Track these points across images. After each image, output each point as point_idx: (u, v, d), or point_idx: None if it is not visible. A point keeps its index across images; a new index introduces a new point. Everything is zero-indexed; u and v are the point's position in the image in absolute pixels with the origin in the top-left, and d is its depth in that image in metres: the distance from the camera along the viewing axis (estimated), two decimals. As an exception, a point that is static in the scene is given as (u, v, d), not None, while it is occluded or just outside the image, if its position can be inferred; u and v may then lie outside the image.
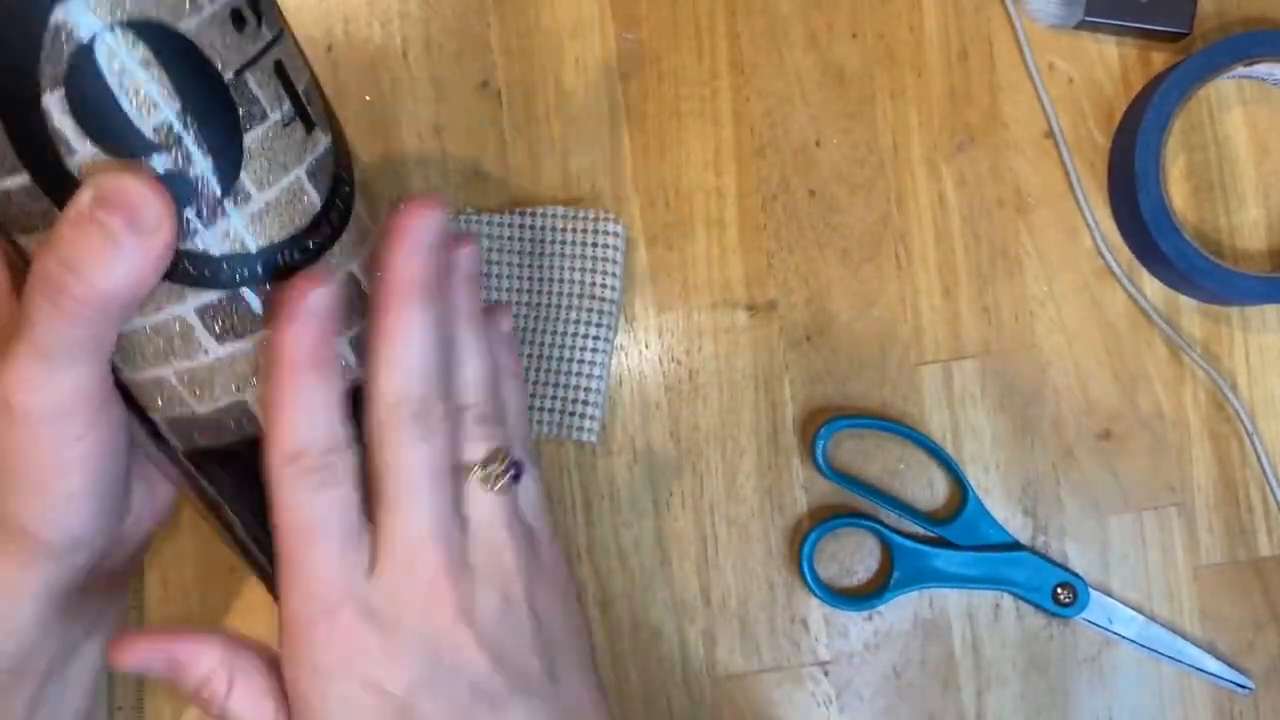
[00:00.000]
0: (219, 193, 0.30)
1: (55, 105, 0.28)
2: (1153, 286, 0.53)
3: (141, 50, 0.29)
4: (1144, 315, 0.53)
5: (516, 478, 0.35)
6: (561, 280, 0.52)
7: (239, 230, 0.31)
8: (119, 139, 0.29)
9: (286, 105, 0.31)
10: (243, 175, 0.31)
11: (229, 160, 0.30)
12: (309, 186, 0.32)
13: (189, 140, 0.30)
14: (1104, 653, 0.52)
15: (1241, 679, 0.51)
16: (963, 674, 0.52)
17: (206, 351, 0.32)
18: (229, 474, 0.34)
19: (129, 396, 0.34)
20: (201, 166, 0.30)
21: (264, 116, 0.31)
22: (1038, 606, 0.52)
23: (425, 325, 0.33)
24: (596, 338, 0.51)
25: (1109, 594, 0.52)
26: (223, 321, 0.32)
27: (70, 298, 0.29)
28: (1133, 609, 0.52)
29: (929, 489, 0.53)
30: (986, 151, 0.53)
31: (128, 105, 0.29)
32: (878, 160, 0.53)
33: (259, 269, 0.31)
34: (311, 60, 0.54)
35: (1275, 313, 0.53)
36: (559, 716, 0.35)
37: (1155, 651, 0.52)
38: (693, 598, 0.52)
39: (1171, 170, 0.53)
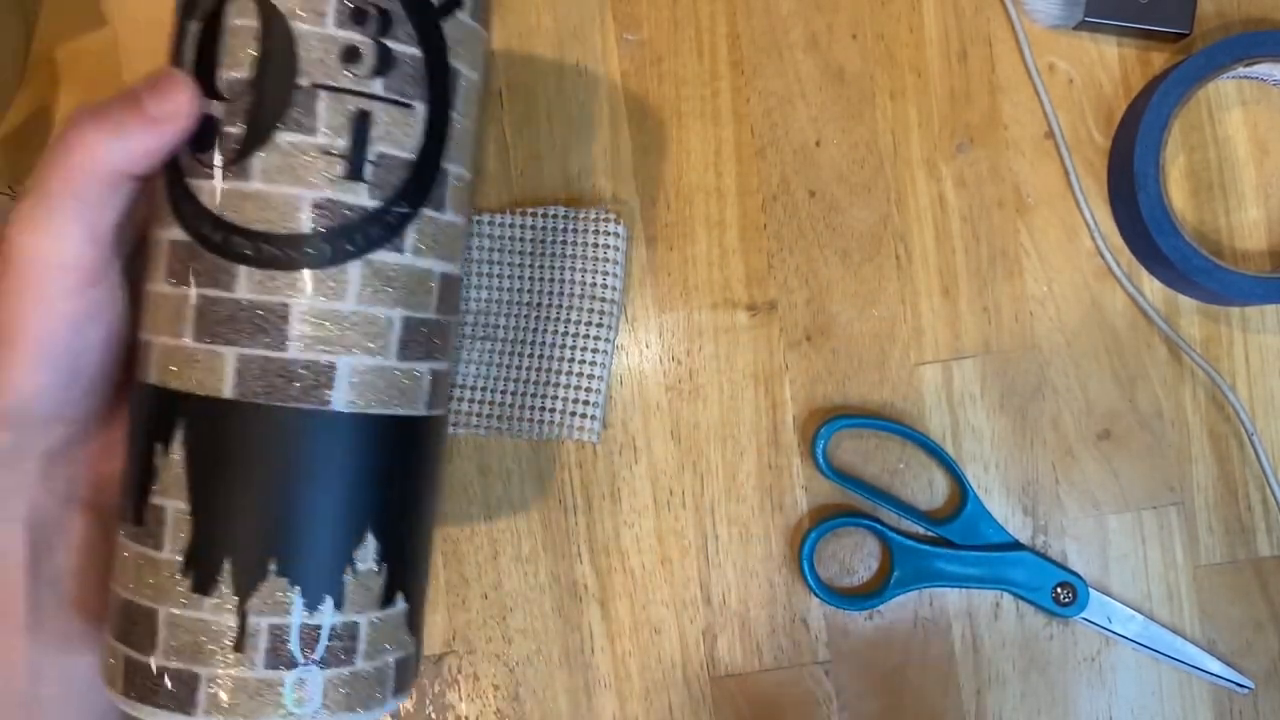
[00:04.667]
0: (231, 158, 0.33)
1: None
2: (1152, 287, 0.53)
3: None
4: (1144, 315, 0.53)
5: None
6: (562, 280, 0.52)
7: (225, 197, 0.34)
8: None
9: (339, 142, 0.34)
10: (254, 158, 0.33)
11: (254, 138, 0.33)
12: (305, 211, 0.34)
13: (242, 103, 0.33)
14: (1103, 652, 0.52)
15: (1241, 678, 0.52)
16: (963, 673, 0.52)
17: (158, 283, 0.34)
18: (177, 425, 0.34)
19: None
20: (236, 128, 0.33)
21: (308, 130, 0.34)
22: (1037, 606, 0.52)
23: None
24: (597, 337, 0.52)
25: (1108, 594, 0.52)
26: (176, 264, 0.34)
27: (74, 156, 0.32)
28: (1132, 609, 0.52)
29: (929, 489, 0.53)
30: (986, 152, 0.53)
31: (221, 53, 0.34)
32: (878, 160, 0.53)
33: (215, 237, 0.34)
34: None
35: (1275, 313, 0.53)
36: None
37: (1155, 651, 0.52)
38: (693, 597, 0.52)
39: (1171, 170, 0.53)
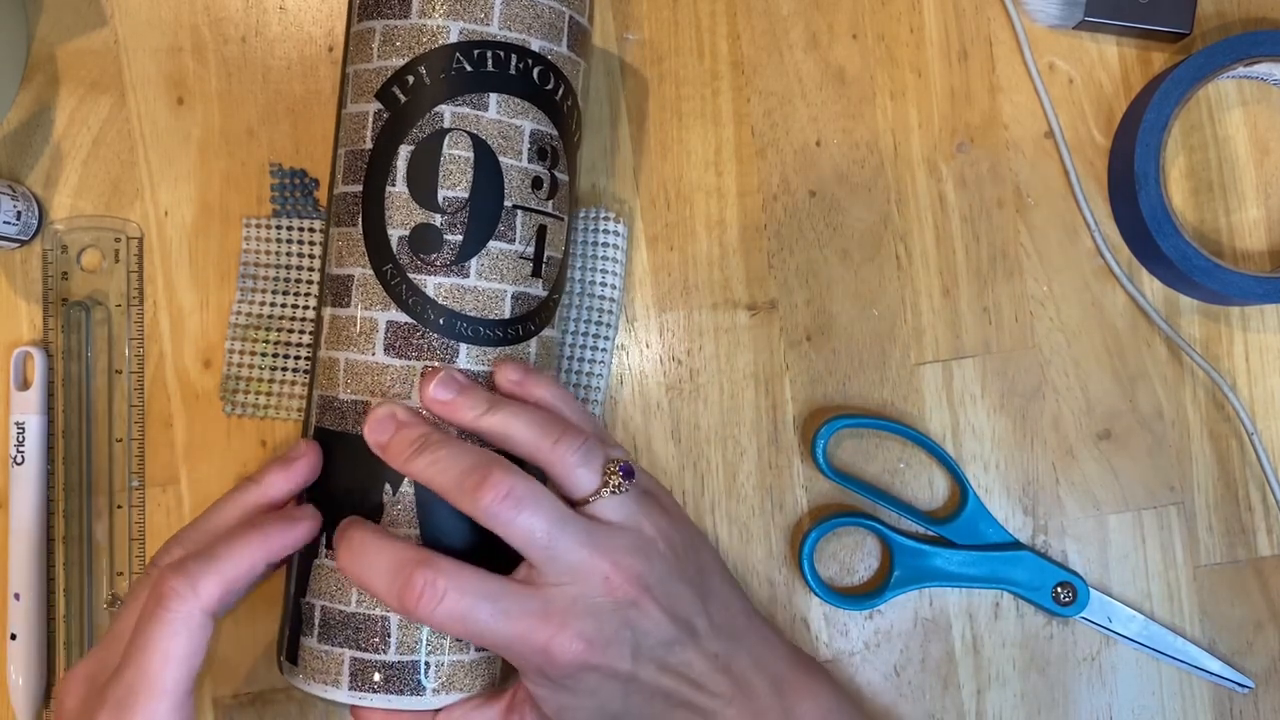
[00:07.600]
0: (451, 260, 0.42)
1: (403, 155, 0.42)
2: (1152, 286, 0.53)
3: (467, 150, 0.42)
4: (1144, 315, 0.53)
5: (629, 474, 0.43)
6: (563, 280, 0.52)
7: (447, 290, 0.42)
8: (425, 191, 0.42)
9: (529, 249, 0.44)
10: (473, 261, 0.42)
11: (472, 245, 0.42)
12: (507, 301, 0.43)
13: (460, 216, 0.42)
14: (1104, 652, 0.52)
15: (1241, 678, 0.52)
16: (963, 673, 0.52)
17: (374, 354, 0.43)
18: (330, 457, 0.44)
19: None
20: (456, 237, 0.42)
21: (511, 240, 0.43)
22: (1037, 605, 0.52)
23: (528, 419, 0.42)
24: (598, 335, 0.52)
25: (1109, 593, 0.52)
26: (397, 340, 0.42)
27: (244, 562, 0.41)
28: (1132, 608, 0.52)
29: (929, 488, 0.53)
30: (986, 152, 0.53)
31: (441, 176, 0.42)
32: (878, 160, 0.53)
33: (439, 320, 0.42)
34: (314, 60, 0.55)
35: (1275, 313, 0.53)
36: (720, 631, 0.44)
37: (1155, 650, 0.52)
38: (693, 597, 0.52)
39: (1171, 170, 0.53)
